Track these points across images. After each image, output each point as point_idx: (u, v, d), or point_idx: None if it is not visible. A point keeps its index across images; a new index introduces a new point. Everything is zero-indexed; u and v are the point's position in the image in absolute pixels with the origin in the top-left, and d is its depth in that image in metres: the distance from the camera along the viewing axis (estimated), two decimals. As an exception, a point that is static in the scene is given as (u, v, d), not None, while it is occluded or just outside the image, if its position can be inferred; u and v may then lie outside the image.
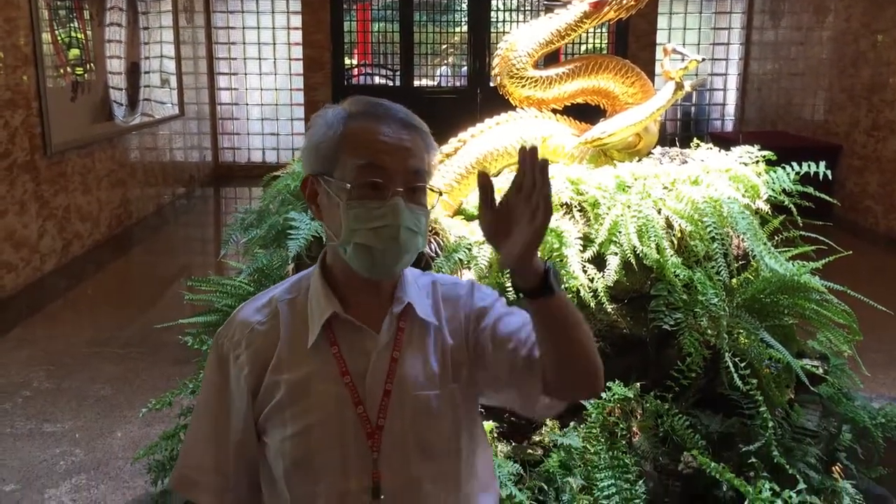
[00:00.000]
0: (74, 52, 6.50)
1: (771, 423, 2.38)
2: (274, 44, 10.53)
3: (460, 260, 2.48)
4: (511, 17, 10.85)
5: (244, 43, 10.53)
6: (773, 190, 2.70)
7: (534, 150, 1.26)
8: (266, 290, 1.49)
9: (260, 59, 10.58)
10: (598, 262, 2.51)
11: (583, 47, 10.53)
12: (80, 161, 6.55)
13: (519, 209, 1.26)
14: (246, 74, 10.63)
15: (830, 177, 2.70)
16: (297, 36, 10.41)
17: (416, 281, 1.48)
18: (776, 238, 2.74)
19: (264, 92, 10.66)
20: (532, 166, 1.25)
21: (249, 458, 1.44)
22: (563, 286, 2.23)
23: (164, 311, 5.50)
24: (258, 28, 10.49)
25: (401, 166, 1.35)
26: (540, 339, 1.36)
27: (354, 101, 1.41)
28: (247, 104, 10.72)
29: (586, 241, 2.52)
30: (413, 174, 1.36)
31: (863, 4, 7.92)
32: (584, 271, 2.47)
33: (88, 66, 6.72)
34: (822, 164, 2.72)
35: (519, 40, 2.88)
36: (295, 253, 2.49)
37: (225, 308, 2.74)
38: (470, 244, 2.51)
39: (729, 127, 10.96)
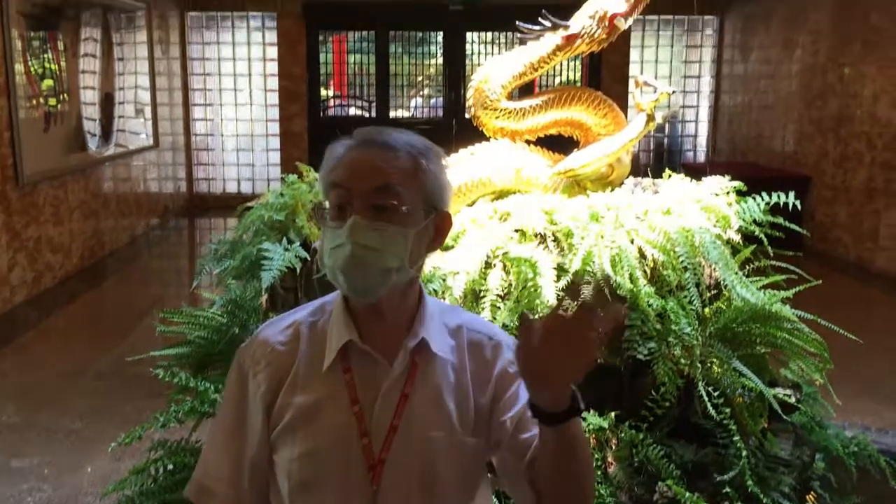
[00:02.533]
0: (48, 82, 6.47)
1: (745, 453, 2.39)
2: (250, 75, 10.56)
3: (435, 290, 2.48)
4: (485, 49, 10.97)
5: (220, 74, 10.55)
6: (743, 220, 2.73)
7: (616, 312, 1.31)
8: (291, 312, 1.51)
9: (235, 90, 10.59)
10: (573, 291, 2.51)
11: (557, 79, 10.66)
12: (53, 192, 6.49)
13: (560, 348, 1.19)
14: (221, 105, 10.64)
15: (800, 207, 2.74)
16: (274, 67, 10.45)
17: (440, 316, 1.47)
18: (747, 268, 2.76)
19: (239, 122, 10.67)
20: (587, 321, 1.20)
21: (262, 474, 1.45)
22: (538, 315, 2.24)
23: (136, 343, 5.42)
24: (234, 59, 10.52)
25: (363, 185, 1.34)
26: (546, 461, 1.33)
27: (357, 131, 1.42)
28: (222, 135, 10.71)
29: (560, 270, 2.53)
30: (376, 192, 1.34)
31: (829, 39, 8.10)
32: (559, 301, 2.47)
33: (62, 96, 6.69)
34: (792, 194, 2.76)
35: (493, 72, 2.90)
36: (268, 284, 2.48)
37: (198, 340, 2.71)
38: (444, 274, 2.51)
39: (701, 158, 11.11)
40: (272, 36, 10.42)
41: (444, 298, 2.48)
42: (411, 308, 1.44)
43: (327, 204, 1.38)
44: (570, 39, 2.79)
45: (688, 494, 2.29)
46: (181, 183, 10.27)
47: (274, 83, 10.49)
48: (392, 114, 10.92)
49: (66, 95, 6.75)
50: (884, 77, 7.18)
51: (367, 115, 11.10)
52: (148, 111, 8.84)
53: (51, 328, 5.99)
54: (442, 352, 1.42)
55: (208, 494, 1.47)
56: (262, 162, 10.69)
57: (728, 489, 2.37)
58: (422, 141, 1.41)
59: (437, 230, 1.43)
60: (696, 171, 2.97)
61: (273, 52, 10.44)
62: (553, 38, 2.84)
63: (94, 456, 3.86)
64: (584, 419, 2.40)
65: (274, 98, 10.54)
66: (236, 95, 10.62)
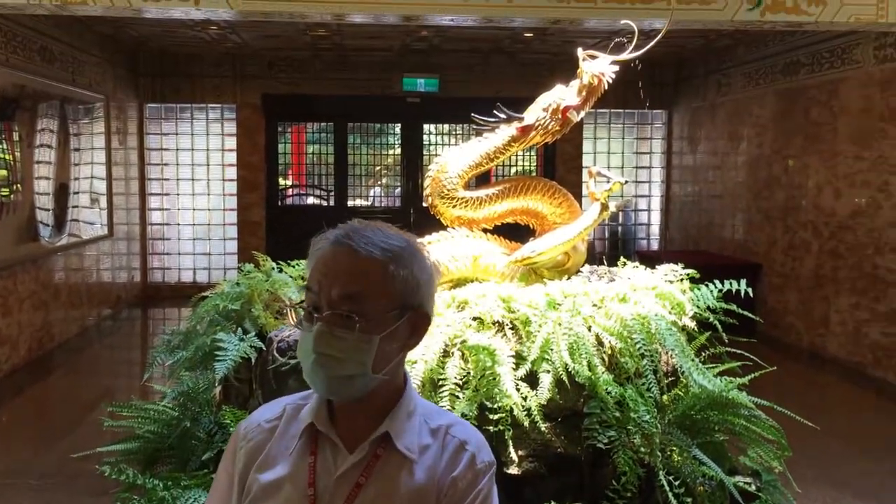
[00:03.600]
0: (1, 172, 6.41)
1: (708, 543, 2.36)
2: (208, 165, 10.59)
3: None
4: (442, 140, 11.19)
5: (177, 164, 10.57)
6: (698, 307, 2.77)
7: None
8: (290, 395, 1.54)
9: (193, 179, 10.60)
10: (531, 380, 2.50)
11: (513, 170, 10.88)
12: (1, 283, 6.35)
13: None
14: (178, 195, 10.61)
15: (752, 294, 2.79)
16: (232, 157, 10.51)
17: (424, 414, 1.46)
18: (703, 354, 2.79)
19: (196, 212, 10.64)
20: None
21: None
22: (497, 405, 2.23)
23: (82, 438, 5.22)
24: (192, 149, 10.56)
25: (330, 292, 1.34)
26: None
27: (339, 227, 1.41)
28: (178, 224, 10.65)
29: (519, 358, 2.53)
30: (342, 299, 1.34)
31: (773, 132, 8.42)
32: (518, 389, 2.46)
33: (15, 186, 6.62)
34: (744, 281, 2.82)
35: (450, 162, 2.95)
36: (222, 375, 2.43)
37: (147, 434, 2.63)
38: (402, 364, 2.49)
39: (654, 246, 11.33)
40: (231, 126, 10.52)
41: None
42: (388, 402, 1.43)
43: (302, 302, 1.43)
44: (524, 131, 2.86)
45: (652, 588, 2.24)
46: (135, 272, 10.13)
47: (232, 173, 10.53)
48: (350, 203, 10.99)
49: (19, 185, 6.68)
50: (826, 169, 7.46)
51: (325, 203, 11.16)
52: (103, 201, 8.78)
53: (-7, 423, 5.76)
54: (407, 449, 1.39)
55: None
56: (219, 251, 10.63)
57: (692, 582, 2.33)
58: (398, 241, 1.39)
59: (412, 329, 1.42)
60: (649, 259, 3.03)
61: (232, 142, 10.52)
62: (508, 130, 2.91)
63: (33, 560, 3.66)
64: (546, 511, 2.36)
65: (232, 187, 10.56)
66: (194, 185, 10.62)
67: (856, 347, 7.01)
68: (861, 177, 6.93)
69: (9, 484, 4.50)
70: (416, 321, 1.42)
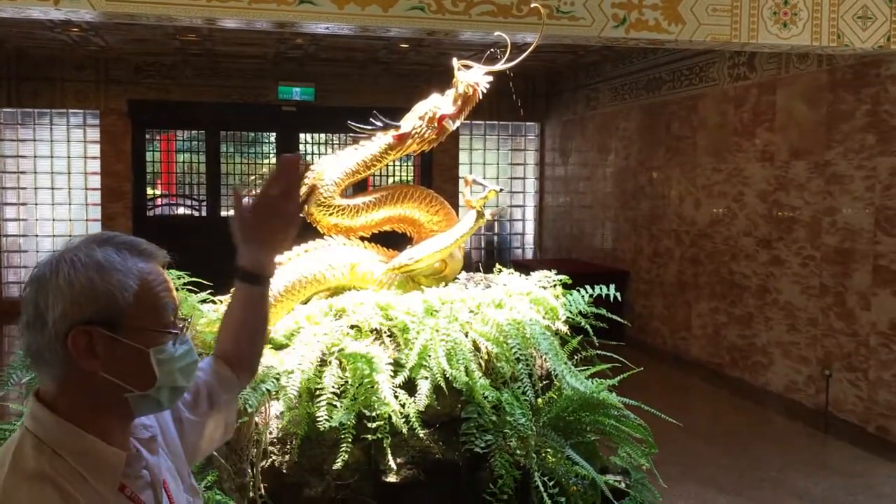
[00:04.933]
0: None
1: (582, 541, 2.42)
2: (69, 173, 10.09)
3: (268, 390, 2.40)
4: (319, 150, 11.09)
5: (35, 172, 10.01)
6: (570, 312, 2.85)
7: (295, 158, 1.66)
8: (6, 468, 1.22)
9: (53, 188, 10.07)
10: (410, 386, 2.51)
11: (390, 179, 10.91)
12: None
13: (268, 214, 1.60)
14: (37, 205, 10.06)
15: (620, 299, 2.90)
16: (96, 165, 10.06)
17: None
18: (575, 357, 2.87)
19: (56, 222, 10.10)
20: (289, 172, 1.63)
21: None
22: (375, 413, 2.22)
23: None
24: (52, 157, 10.04)
25: (174, 304, 1.35)
26: (234, 315, 1.68)
27: (108, 240, 1.31)
28: (37, 235, 10.08)
29: (397, 366, 2.53)
30: (177, 310, 1.37)
31: (638, 144, 8.81)
32: (396, 397, 2.45)
33: None
34: (612, 286, 2.93)
35: (326, 170, 2.92)
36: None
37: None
38: (278, 374, 2.44)
39: (529, 255, 11.61)
40: (95, 133, 10.06)
41: (279, 399, 2.41)
42: None
43: (125, 325, 1.27)
44: (401, 139, 2.87)
45: (529, 588, 2.28)
46: (-11, 287, 9.52)
47: (96, 181, 10.07)
48: (223, 213, 10.72)
49: None
50: (686, 180, 7.86)
51: (197, 213, 10.83)
52: (-48, 210, 8.21)
53: None
54: (155, 427, 1.44)
55: None
56: (82, 263, 10.13)
57: (567, 579, 2.39)
58: None
59: None
60: (524, 267, 3.10)
61: (95, 149, 10.06)
62: (384, 138, 2.91)
63: None
64: None
65: (96, 197, 10.10)
66: (53, 194, 10.08)
67: (715, 349, 7.41)
68: (718, 188, 7.35)
69: None
70: None
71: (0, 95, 9.67)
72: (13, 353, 7.67)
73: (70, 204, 10.12)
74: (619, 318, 2.95)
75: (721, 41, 4.78)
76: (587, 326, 2.86)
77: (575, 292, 2.94)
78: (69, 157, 10.08)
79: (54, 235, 10.09)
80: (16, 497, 1.20)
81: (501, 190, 3.07)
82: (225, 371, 1.65)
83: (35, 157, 10.00)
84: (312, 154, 10.99)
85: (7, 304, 9.80)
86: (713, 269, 7.43)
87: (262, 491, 2.39)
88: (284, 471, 2.43)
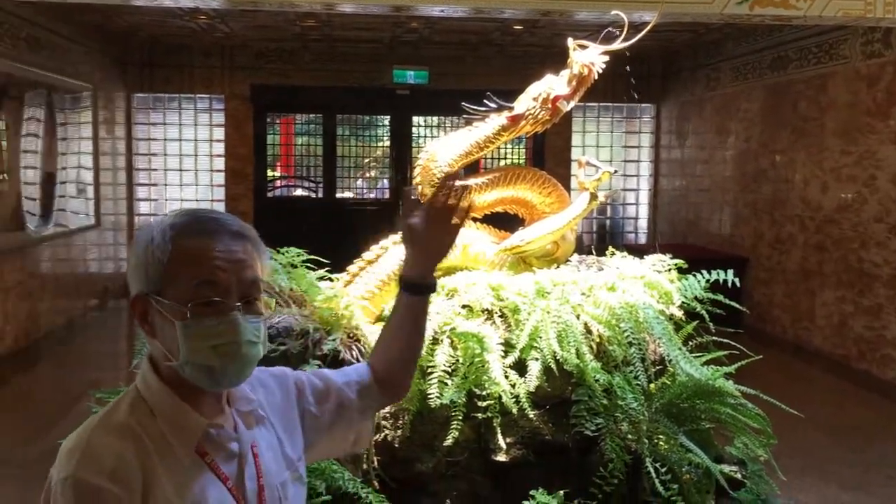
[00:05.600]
0: (-12, 160, 6.38)
1: (694, 529, 2.38)
2: (196, 155, 10.55)
3: (382, 367, 2.45)
4: (431, 133, 11.18)
5: (165, 154, 10.52)
6: (685, 297, 2.79)
7: (455, 175, 1.66)
8: (99, 416, 1.36)
9: (181, 170, 10.56)
10: (520, 367, 2.52)
11: (501, 162, 10.88)
12: (-13, 271, 6.32)
13: (435, 222, 1.60)
14: (166, 185, 10.57)
15: (739, 285, 2.81)
16: (220, 148, 10.47)
17: None
18: (690, 343, 2.81)
19: (184, 203, 10.59)
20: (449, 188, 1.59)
21: None
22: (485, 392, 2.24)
23: (68, 427, 5.21)
24: (180, 140, 10.52)
25: (236, 279, 1.34)
26: (395, 324, 1.66)
27: (181, 214, 1.39)
28: (166, 214, 10.59)
29: (507, 346, 2.54)
30: (249, 285, 1.36)
31: (761, 126, 8.46)
32: (506, 377, 2.47)
33: (2, 176, 6.58)
34: (731, 272, 2.84)
35: (439, 151, 2.95)
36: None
37: (135, 420, 2.62)
38: (391, 351, 2.49)
39: (642, 239, 11.37)
40: (219, 117, 10.48)
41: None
42: None
43: (167, 296, 1.33)
44: (514, 120, 2.86)
45: (638, 573, 2.26)
46: (122, 263, 10.07)
47: (220, 164, 10.50)
48: (339, 195, 10.98)
49: (5, 175, 6.64)
50: (813, 163, 7.50)
51: (313, 195, 11.14)
52: (90, 191, 8.73)
53: (-21, 413, 5.73)
54: (257, 402, 1.47)
55: None
56: (207, 242, 10.58)
57: (678, 567, 2.35)
58: (247, 225, 1.44)
59: None
60: (637, 253, 3.04)
61: (220, 133, 10.48)
62: (498, 119, 2.91)
63: (19, 548, 3.66)
64: (534, 497, 2.37)
65: (220, 178, 10.53)
66: (181, 175, 10.58)
67: (840, 340, 7.07)
68: (847, 171, 6.98)
69: (-7, 473, 4.49)
70: None
71: (134, 81, 10.20)
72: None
73: (197, 185, 10.59)
74: (736, 305, 2.86)
75: (854, 17, 4.52)
76: (703, 312, 2.79)
77: (691, 277, 2.87)
78: (196, 140, 10.54)
79: (182, 215, 10.59)
80: (96, 444, 1.29)
81: (615, 172, 3.02)
82: (369, 382, 1.65)
83: (165, 140, 10.51)
84: (425, 137, 11.09)
85: (139, 280, 10.36)
86: (840, 256, 7.07)
87: (375, 464, 2.45)
88: (396, 445, 2.49)
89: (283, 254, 2.96)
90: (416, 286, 1.62)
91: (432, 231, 1.60)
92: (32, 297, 7.21)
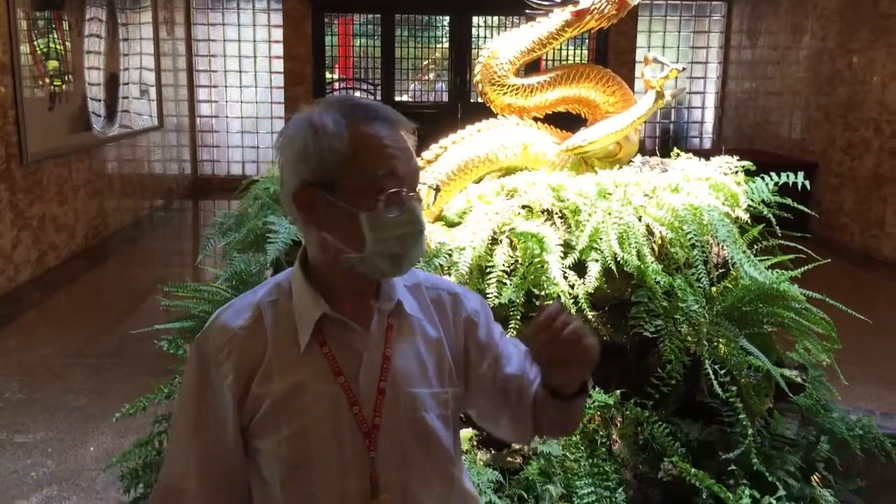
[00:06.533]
0: (53, 63, 6.45)
1: (750, 431, 2.38)
2: (255, 57, 10.52)
3: (441, 265, 2.47)
4: (491, 34, 10.90)
5: (225, 56, 10.51)
6: (752, 200, 2.71)
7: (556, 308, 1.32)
8: (244, 295, 1.44)
9: (240, 71, 10.56)
10: (579, 268, 2.50)
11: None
12: (57, 171, 6.48)
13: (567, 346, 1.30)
14: (226, 87, 10.60)
15: (809, 188, 2.71)
16: (279, 49, 10.41)
17: (399, 277, 1.46)
18: (755, 247, 2.74)
19: (244, 105, 10.64)
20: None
21: (235, 466, 1.39)
22: (544, 292, 2.23)
23: (138, 321, 5.39)
24: (239, 41, 10.48)
25: (408, 169, 1.35)
26: (545, 415, 1.46)
27: (341, 103, 1.36)
28: (227, 117, 10.68)
29: (567, 247, 2.52)
30: (416, 174, 1.38)
31: (838, 25, 8.04)
32: (565, 277, 2.46)
33: (67, 76, 6.67)
34: (801, 174, 2.74)
35: (501, 48, 2.88)
36: (273, 257, 2.47)
37: (202, 314, 2.70)
38: (451, 250, 2.50)
39: (707, 144, 11.06)
40: (277, 18, 10.37)
41: (450, 274, 2.47)
42: None
43: (344, 186, 1.32)
44: (579, 15, 2.76)
45: (693, 472, 2.28)
46: (185, 164, 10.26)
47: (279, 65, 10.45)
48: (397, 98, 10.88)
49: (70, 76, 6.72)
50: (893, 63, 7.12)
51: (371, 97, 11.07)
52: (153, 92, 8.81)
53: (53, 307, 5.99)
54: (412, 311, 1.44)
55: (178, 492, 1.39)
56: (267, 144, 10.66)
57: (733, 467, 2.37)
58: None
59: None
60: (703, 156, 2.95)
61: (278, 34, 10.39)
62: (562, 14, 2.82)
63: (96, 432, 3.86)
64: (590, 396, 2.39)
65: (279, 80, 10.50)
66: (241, 77, 10.58)
67: (911, 249, 6.86)
68: (930, 72, 6.62)
69: (69, 363, 4.72)
70: None
71: (192, -19, 10.13)
72: (210, 223, 8.29)
73: (256, 87, 10.60)
74: (805, 209, 2.77)
75: None
76: (770, 216, 2.71)
77: (758, 179, 2.78)
78: (255, 41, 10.48)
79: (242, 117, 10.66)
80: (219, 319, 1.40)
81: (684, 69, 2.91)
82: (526, 403, 1.49)
83: (224, 41, 10.48)
84: (485, 38, 10.83)
85: (202, 181, 10.56)
86: (916, 162, 6.79)
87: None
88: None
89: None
90: (561, 394, 1.40)
91: (561, 350, 1.31)
92: (100, 196, 7.41)
